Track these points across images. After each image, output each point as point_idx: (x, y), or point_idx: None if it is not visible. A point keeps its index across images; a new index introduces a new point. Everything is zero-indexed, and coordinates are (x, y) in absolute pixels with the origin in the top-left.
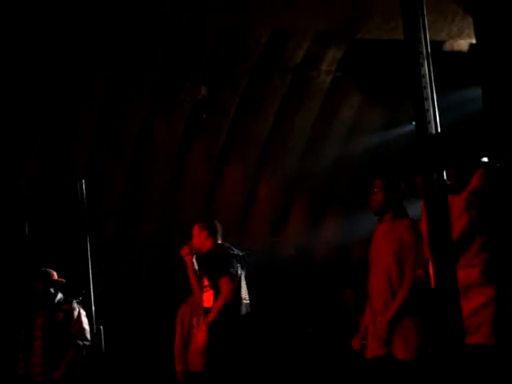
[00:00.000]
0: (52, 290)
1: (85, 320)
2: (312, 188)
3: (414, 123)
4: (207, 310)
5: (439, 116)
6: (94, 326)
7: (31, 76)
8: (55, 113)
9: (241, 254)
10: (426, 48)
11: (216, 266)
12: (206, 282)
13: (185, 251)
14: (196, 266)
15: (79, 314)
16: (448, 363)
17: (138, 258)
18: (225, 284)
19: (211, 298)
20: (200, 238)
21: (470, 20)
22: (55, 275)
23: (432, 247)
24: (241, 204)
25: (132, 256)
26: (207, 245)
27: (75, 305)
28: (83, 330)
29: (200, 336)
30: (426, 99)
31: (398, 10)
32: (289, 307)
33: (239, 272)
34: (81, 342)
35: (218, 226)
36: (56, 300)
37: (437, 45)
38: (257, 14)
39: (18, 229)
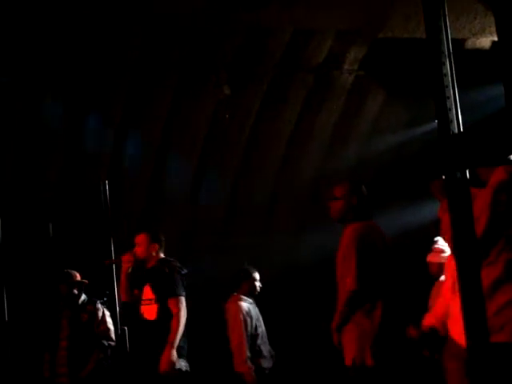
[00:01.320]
0: (76, 291)
1: (109, 320)
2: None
3: (436, 122)
4: (148, 322)
5: (462, 114)
6: (119, 327)
7: (53, 79)
8: (78, 113)
9: (185, 271)
10: (447, 47)
11: (165, 285)
12: (149, 295)
13: (127, 258)
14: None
15: (103, 314)
16: (473, 362)
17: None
18: (175, 306)
19: (154, 312)
20: (149, 251)
21: (492, 17)
22: (78, 276)
23: (455, 247)
24: (264, 204)
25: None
26: (154, 259)
27: (99, 305)
28: (108, 330)
29: (165, 356)
30: (448, 98)
31: (419, 8)
32: (310, 305)
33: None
34: (106, 342)
35: (163, 240)
36: (80, 301)
37: (458, 43)
38: (278, 13)
39: (42, 230)
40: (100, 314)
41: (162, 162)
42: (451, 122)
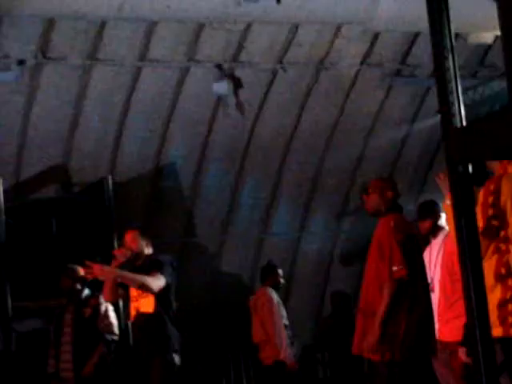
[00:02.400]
0: (79, 286)
1: (112, 314)
2: (336, 183)
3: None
4: (146, 315)
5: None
6: (122, 322)
7: (52, 74)
8: (80, 110)
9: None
10: (450, 41)
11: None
12: None
13: (122, 252)
14: None
15: (106, 309)
16: (474, 356)
17: (165, 252)
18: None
19: (151, 305)
20: (141, 247)
21: (495, 11)
22: (81, 271)
23: (458, 240)
24: (264, 201)
25: (159, 251)
26: (144, 255)
27: (102, 300)
28: (111, 324)
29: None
30: (451, 93)
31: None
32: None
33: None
34: (109, 337)
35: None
36: (83, 296)
37: (462, 37)
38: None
39: (46, 226)
40: (103, 308)
41: (164, 157)
42: (454, 116)
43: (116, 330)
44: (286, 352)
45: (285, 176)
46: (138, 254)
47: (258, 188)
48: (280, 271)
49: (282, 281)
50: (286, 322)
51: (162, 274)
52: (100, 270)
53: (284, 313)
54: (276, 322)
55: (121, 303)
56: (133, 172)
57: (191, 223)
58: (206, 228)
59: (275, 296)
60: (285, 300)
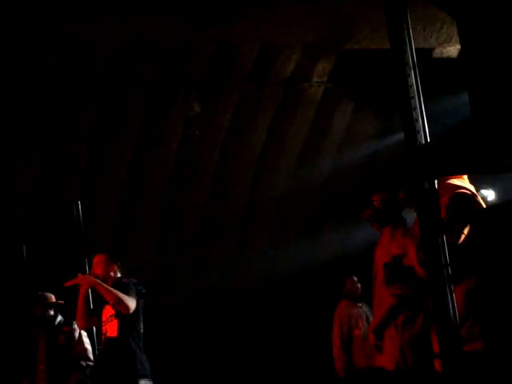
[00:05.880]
0: (51, 313)
1: (86, 340)
2: (308, 200)
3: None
4: (111, 340)
5: (433, 122)
6: (96, 347)
7: (24, 101)
8: (49, 135)
9: (144, 291)
10: (412, 58)
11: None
12: (110, 312)
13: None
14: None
15: (80, 334)
16: (448, 369)
17: (137, 277)
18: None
19: (115, 328)
20: (108, 271)
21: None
22: (53, 298)
23: (425, 254)
24: (238, 219)
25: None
26: (112, 279)
27: (76, 326)
28: (85, 350)
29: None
30: (415, 109)
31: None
32: (288, 319)
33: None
34: (84, 363)
35: (120, 261)
36: (56, 322)
37: (426, 52)
38: (244, 30)
39: (16, 252)
40: (77, 334)
41: (134, 180)
42: (418, 132)
43: (91, 355)
44: (338, 357)
45: (255, 195)
46: (104, 279)
47: (230, 208)
48: (354, 278)
49: (353, 288)
50: (353, 333)
51: (132, 296)
52: (80, 278)
53: (360, 323)
54: (335, 333)
55: (94, 329)
56: (103, 195)
57: (163, 246)
58: (178, 250)
59: (346, 308)
60: None
